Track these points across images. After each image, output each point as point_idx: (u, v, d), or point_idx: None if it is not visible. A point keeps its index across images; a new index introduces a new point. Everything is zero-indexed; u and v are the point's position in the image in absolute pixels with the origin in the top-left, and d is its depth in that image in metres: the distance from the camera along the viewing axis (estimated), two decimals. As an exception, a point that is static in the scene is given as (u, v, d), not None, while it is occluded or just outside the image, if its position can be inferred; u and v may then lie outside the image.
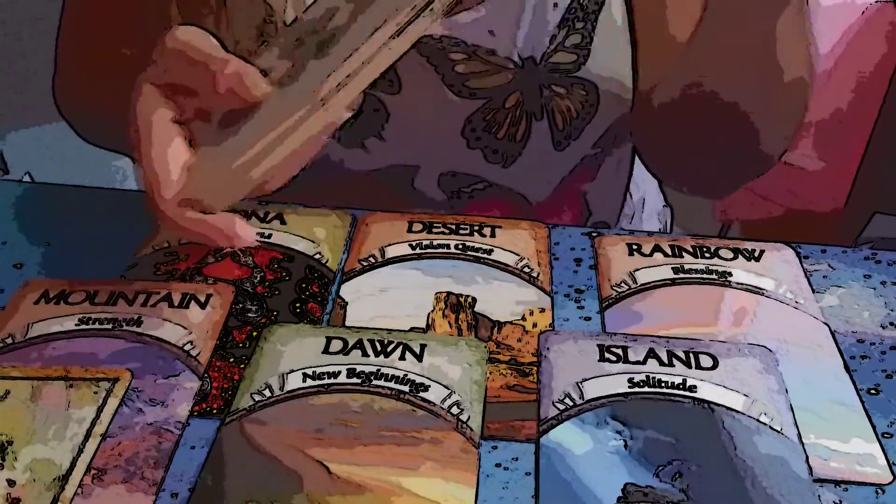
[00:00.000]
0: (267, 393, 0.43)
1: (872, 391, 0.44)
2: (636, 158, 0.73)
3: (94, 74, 0.60)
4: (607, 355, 0.45)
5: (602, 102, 0.60)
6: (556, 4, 0.56)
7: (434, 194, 0.63)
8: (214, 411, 0.42)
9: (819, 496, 0.39)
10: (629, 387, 0.43)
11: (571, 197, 0.66)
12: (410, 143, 0.61)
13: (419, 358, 0.45)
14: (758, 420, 0.42)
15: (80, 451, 0.40)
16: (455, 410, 0.42)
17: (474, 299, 0.49)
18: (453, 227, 0.55)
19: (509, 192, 0.64)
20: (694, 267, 0.52)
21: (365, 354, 0.45)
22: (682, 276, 0.51)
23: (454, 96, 0.58)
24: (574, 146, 0.62)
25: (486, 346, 0.46)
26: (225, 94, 0.41)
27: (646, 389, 0.43)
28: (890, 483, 0.40)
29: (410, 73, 0.58)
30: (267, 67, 0.42)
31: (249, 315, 0.48)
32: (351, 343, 0.45)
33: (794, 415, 0.42)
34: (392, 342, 0.45)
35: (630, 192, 0.72)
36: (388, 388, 0.43)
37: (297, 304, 0.49)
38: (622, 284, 0.51)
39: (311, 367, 0.44)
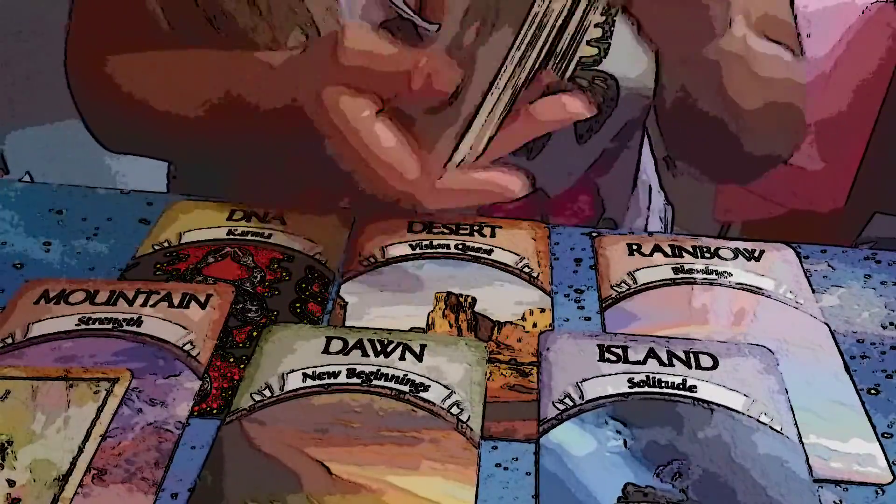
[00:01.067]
0: (267, 393, 0.43)
1: (872, 391, 0.44)
2: (644, 154, 0.73)
3: (112, 77, 0.61)
4: (607, 355, 0.45)
5: (622, 95, 0.60)
6: None
7: None
8: (214, 411, 0.42)
9: (819, 496, 0.39)
10: (629, 387, 0.43)
11: (586, 191, 0.67)
12: None
13: (419, 358, 0.45)
14: (758, 420, 0.42)
15: (80, 451, 0.40)
16: (455, 410, 0.42)
17: (474, 299, 0.49)
18: (453, 227, 0.55)
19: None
20: (694, 267, 0.52)
21: (365, 354, 0.45)
22: (682, 276, 0.51)
23: None
24: (595, 139, 0.63)
25: (486, 346, 0.46)
26: (420, 91, 0.41)
27: (646, 389, 0.43)
28: (890, 483, 0.40)
29: None
30: (453, 40, 0.42)
31: (249, 315, 0.48)
32: (351, 343, 0.45)
33: (794, 415, 0.42)
34: (392, 342, 0.45)
35: (638, 189, 0.73)
36: (388, 388, 0.43)
37: (297, 305, 0.49)
38: (622, 284, 0.51)
39: (311, 367, 0.44)
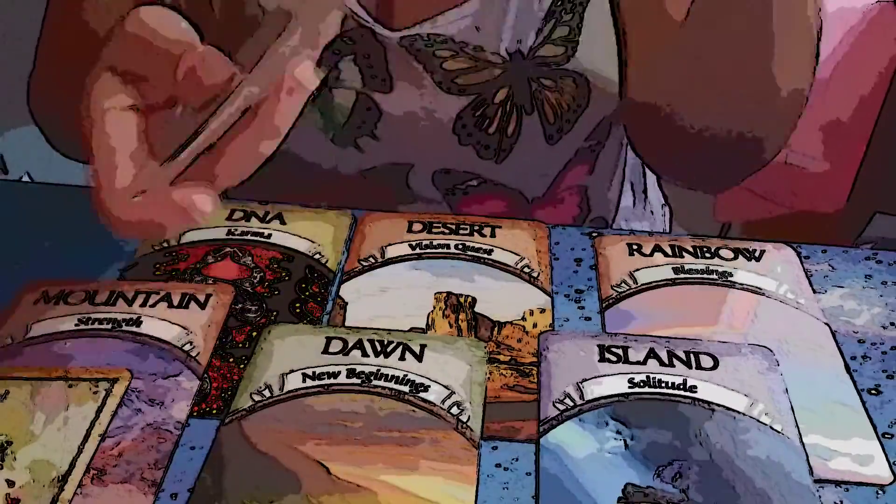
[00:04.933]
0: (266, 393, 0.43)
1: (873, 391, 0.44)
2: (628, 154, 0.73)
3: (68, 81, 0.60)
4: (607, 355, 0.45)
5: (593, 94, 0.60)
6: None
7: (429, 192, 0.63)
8: (214, 412, 0.42)
9: (819, 497, 0.39)
10: (629, 387, 0.43)
11: (569, 192, 0.66)
12: (403, 142, 0.61)
13: (419, 358, 0.44)
14: (758, 420, 0.42)
15: (80, 451, 0.40)
16: (455, 411, 0.42)
17: (474, 299, 0.49)
18: (453, 227, 0.55)
19: (504, 188, 0.64)
20: (694, 267, 0.52)
21: (365, 354, 0.45)
22: (682, 276, 0.51)
23: (443, 93, 0.58)
24: (566, 139, 0.62)
25: (486, 347, 0.46)
26: (185, 81, 0.37)
27: (646, 390, 0.43)
28: (890, 483, 0.40)
29: (400, 71, 0.58)
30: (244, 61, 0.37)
31: (249, 315, 0.48)
32: (351, 343, 0.45)
33: (794, 415, 0.42)
34: (392, 342, 0.45)
35: (628, 187, 0.72)
36: (388, 389, 0.43)
37: (297, 304, 0.49)
38: (622, 284, 0.51)
39: (310, 368, 0.44)
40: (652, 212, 0.76)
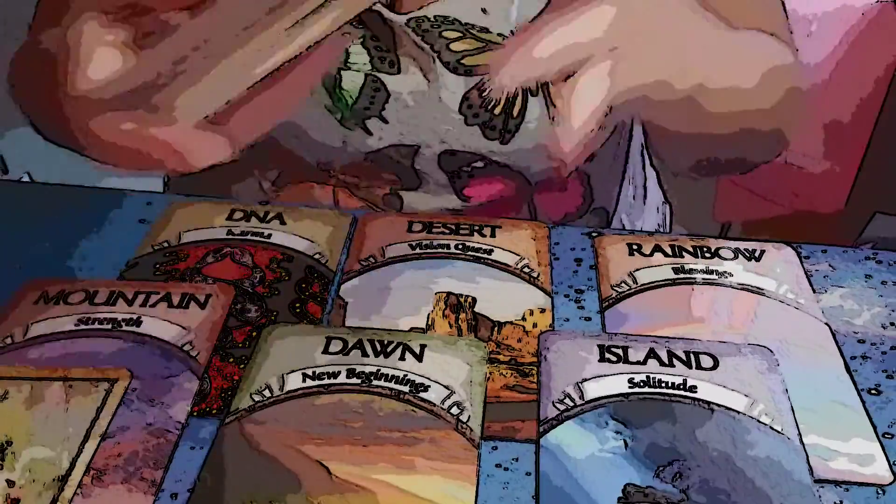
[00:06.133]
0: (266, 393, 0.43)
1: (873, 391, 0.44)
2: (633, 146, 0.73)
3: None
4: (607, 355, 0.45)
5: None
6: None
7: (435, 174, 0.64)
8: (214, 411, 0.42)
9: (820, 497, 0.39)
10: (629, 387, 0.43)
11: (572, 178, 0.66)
12: (411, 123, 0.61)
13: (419, 358, 0.44)
14: (758, 420, 0.42)
15: (80, 451, 0.40)
16: (455, 411, 0.42)
17: (474, 299, 0.49)
18: (453, 227, 0.55)
19: (509, 171, 0.64)
20: (694, 267, 0.52)
21: (365, 354, 0.45)
22: (682, 276, 0.51)
23: (450, 74, 0.59)
24: None
25: (486, 347, 0.46)
26: None
27: (646, 390, 0.43)
28: (890, 483, 0.40)
29: (408, 53, 0.58)
30: None
31: (249, 315, 0.48)
32: (351, 343, 0.45)
33: (794, 415, 0.42)
34: (392, 342, 0.45)
35: (629, 181, 0.72)
36: (388, 389, 0.43)
37: (297, 305, 0.49)
38: (622, 284, 0.51)
39: (310, 368, 0.44)
40: (657, 209, 0.76)
